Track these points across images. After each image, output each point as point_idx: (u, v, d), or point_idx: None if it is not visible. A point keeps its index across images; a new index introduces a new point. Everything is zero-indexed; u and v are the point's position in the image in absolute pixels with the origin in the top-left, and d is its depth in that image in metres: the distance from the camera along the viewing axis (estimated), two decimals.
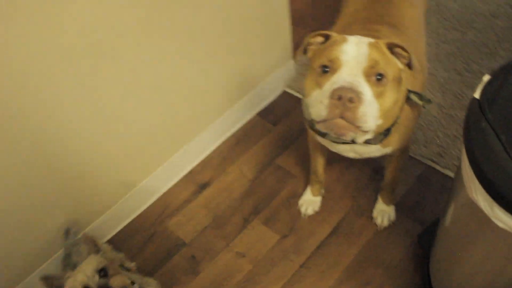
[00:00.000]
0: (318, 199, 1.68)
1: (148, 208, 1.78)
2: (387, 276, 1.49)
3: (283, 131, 1.96)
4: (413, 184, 1.69)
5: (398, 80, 1.06)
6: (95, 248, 1.27)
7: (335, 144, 1.24)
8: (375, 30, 1.22)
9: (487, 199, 0.88)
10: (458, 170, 1.05)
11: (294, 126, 1.97)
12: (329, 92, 0.96)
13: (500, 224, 0.88)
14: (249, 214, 1.71)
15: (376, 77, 0.98)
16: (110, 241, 1.69)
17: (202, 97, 1.78)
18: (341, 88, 0.94)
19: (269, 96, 2.09)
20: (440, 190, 1.65)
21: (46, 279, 1.20)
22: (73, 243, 1.49)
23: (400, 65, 1.06)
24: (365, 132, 1.00)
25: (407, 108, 1.18)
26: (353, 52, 0.99)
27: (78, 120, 1.41)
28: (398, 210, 1.62)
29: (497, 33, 2.15)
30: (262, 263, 1.57)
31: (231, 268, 1.57)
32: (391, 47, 1.05)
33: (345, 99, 0.93)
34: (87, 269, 1.18)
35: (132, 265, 1.51)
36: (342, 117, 0.96)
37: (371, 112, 0.97)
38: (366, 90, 0.97)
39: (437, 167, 1.71)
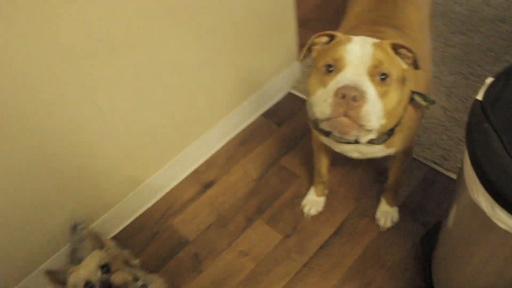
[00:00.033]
0: (321, 200, 1.69)
1: (152, 206, 1.80)
2: (389, 277, 1.49)
3: (287, 132, 1.97)
4: (416, 186, 1.69)
5: (402, 81, 1.07)
6: (99, 244, 1.28)
7: (338, 144, 1.25)
8: (380, 32, 1.23)
9: (489, 200, 0.89)
10: (461, 171, 1.06)
11: (299, 127, 1.98)
12: (333, 90, 0.97)
13: (501, 225, 0.89)
14: (253, 213, 1.72)
15: (380, 76, 0.99)
16: (115, 238, 1.71)
17: (208, 97, 1.80)
18: (345, 87, 0.95)
19: (275, 97, 2.10)
20: (444, 192, 1.66)
21: (51, 273, 1.21)
22: (80, 238, 1.50)
23: (404, 66, 1.08)
24: (369, 131, 1.01)
25: (410, 109, 1.19)
26: (358, 52, 1.00)
27: (84, 118, 1.42)
28: (401, 212, 1.63)
29: (503, 37, 2.15)
30: (265, 262, 1.58)
31: (234, 266, 1.58)
32: (396, 48, 1.06)
33: (349, 98, 0.94)
34: (90, 264, 1.19)
35: (136, 261, 1.52)
36: (346, 116, 0.97)
37: (375, 111, 0.98)
38: (370, 89, 0.98)
39: (441, 170, 1.71)
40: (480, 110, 0.93)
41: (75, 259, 1.44)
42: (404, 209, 1.64)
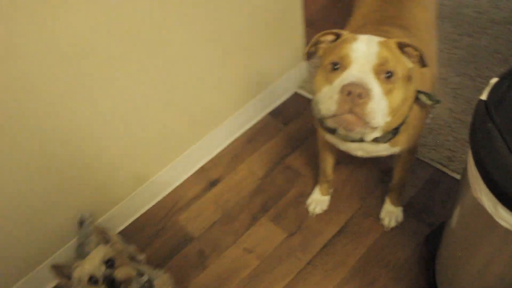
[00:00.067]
0: (326, 199, 1.70)
1: (158, 202, 1.81)
2: (393, 277, 1.50)
3: (293, 131, 1.98)
4: (422, 187, 1.70)
5: (407, 79, 1.07)
6: (105, 239, 1.29)
7: (344, 142, 1.26)
8: (386, 32, 1.24)
9: (491, 198, 0.89)
10: (464, 171, 1.06)
11: (305, 127, 1.99)
12: (338, 87, 0.98)
13: (504, 224, 0.89)
14: (258, 211, 1.73)
15: (386, 74, 1.00)
16: (121, 233, 1.73)
17: (215, 96, 1.81)
18: (351, 84, 0.96)
19: (281, 97, 2.11)
20: (449, 193, 1.66)
21: (56, 268, 1.22)
22: (87, 233, 1.52)
23: (409, 64, 1.08)
24: (374, 128, 1.02)
25: (416, 108, 1.19)
26: (363, 50, 1.01)
27: (92, 115, 1.44)
28: (406, 212, 1.63)
29: (511, 40, 2.15)
30: (268, 259, 1.59)
31: (238, 263, 1.60)
32: (401, 47, 1.07)
33: (354, 95, 0.95)
34: (95, 259, 1.20)
35: (141, 257, 1.53)
36: (351, 113, 0.97)
37: (380, 108, 0.99)
38: (375, 87, 0.98)
39: (446, 171, 1.72)
40: (484, 110, 0.93)
41: (81, 253, 1.45)
42: (409, 209, 1.64)
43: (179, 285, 1.54)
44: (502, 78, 0.98)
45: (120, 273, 1.19)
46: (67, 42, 1.27)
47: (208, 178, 1.87)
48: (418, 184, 1.70)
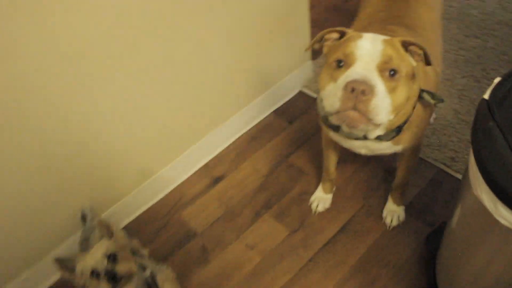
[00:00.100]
0: (329, 197, 1.71)
1: (163, 198, 1.83)
2: (393, 276, 1.50)
3: (297, 130, 1.99)
4: (424, 187, 1.70)
5: (411, 78, 1.08)
6: (108, 233, 1.29)
7: (347, 140, 1.27)
8: (391, 31, 1.25)
9: (491, 197, 0.90)
10: (466, 170, 1.07)
11: (309, 126, 1.99)
12: (343, 84, 0.99)
13: (503, 222, 0.90)
14: (261, 208, 1.74)
15: (389, 72, 1.01)
16: (125, 228, 1.74)
17: (221, 93, 1.83)
18: (355, 81, 0.97)
19: (286, 96, 2.12)
20: (451, 193, 1.66)
21: (59, 261, 1.22)
22: (91, 227, 1.53)
23: (413, 63, 1.09)
24: (377, 125, 1.02)
25: (419, 107, 1.20)
26: (368, 48, 1.02)
27: (99, 109, 1.45)
28: (408, 211, 1.64)
29: None
30: (270, 256, 1.60)
31: (240, 259, 1.61)
32: (406, 45, 1.07)
33: (358, 92, 0.96)
34: (97, 253, 1.20)
35: (145, 251, 1.55)
36: (354, 109, 0.98)
37: (383, 105, 1.00)
38: (379, 84, 0.99)
39: (449, 171, 1.72)
40: (486, 109, 0.94)
41: (85, 247, 1.46)
42: (411, 209, 1.65)
43: (181, 280, 1.55)
44: (505, 78, 0.98)
45: (121, 268, 1.19)
46: (67, 40, 1.27)
47: (212, 175, 1.88)
48: (421, 184, 1.71)
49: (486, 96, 0.97)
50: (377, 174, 1.78)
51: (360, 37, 1.06)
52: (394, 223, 1.60)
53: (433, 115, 1.88)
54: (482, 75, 2.03)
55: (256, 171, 1.86)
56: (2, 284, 1.52)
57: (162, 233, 1.72)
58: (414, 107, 1.17)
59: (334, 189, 1.72)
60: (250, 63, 1.86)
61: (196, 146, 1.86)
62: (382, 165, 1.79)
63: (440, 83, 1.94)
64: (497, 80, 0.99)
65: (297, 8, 1.91)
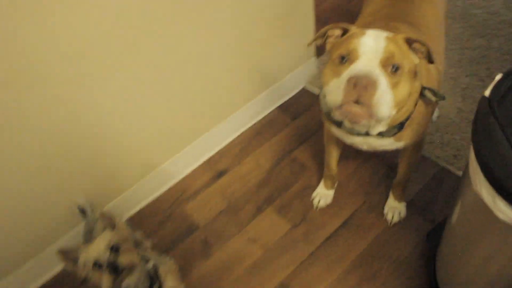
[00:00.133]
0: (331, 193, 1.72)
1: (166, 191, 1.85)
2: (394, 271, 1.51)
3: (301, 126, 2.00)
4: (427, 184, 1.71)
5: (413, 75, 1.09)
6: (111, 224, 1.29)
7: (349, 136, 1.28)
8: (395, 28, 1.26)
9: (490, 191, 0.91)
10: (466, 166, 1.08)
11: (312, 122, 2.01)
12: (346, 78, 1.00)
13: (502, 216, 0.91)
14: (263, 203, 1.76)
15: (392, 68, 1.02)
16: (129, 220, 1.77)
17: (225, 88, 1.84)
18: (358, 75, 0.98)
19: (290, 92, 2.14)
20: (453, 191, 1.67)
21: (63, 252, 1.23)
22: (95, 219, 1.54)
23: (416, 60, 1.10)
24: (379, 120, 1.03)
25: (421, 104, 1.21)
26: (371, 44, 1.03)
27: (102, 102, 1.47)
28: (410, 208, 1.65)
29: None
30: (272, 250, 1.62)
31: (242, 253, 1.62)
32: (409, 42, 1.08)
33: (361, 86, 0.97)
34: (100, 244, 1.21)
35: (148, 243, 1.56)
36: (357, 103, 0.99)
37: (385, 100, 1.01)
38: (382, 79, 1.00)
39: (452, 169, 1.73)
40: (486, 106, 0.95)
41: (89, 239, 1.48)
42: (412, 205, 1.66)
43: (182, 273, 1.57)
44: (507, 75, 0.99)
45: (123, 259, 1.20)
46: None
47: (215, 169, 1.90)
48: (423, 181, 1.72)
49: (487, 93, 0.98)
50: (379, 171, 1.79)
51: (363, 34, 1.07)
52: (395, 219, 1.61)
53: (437, 113, 1.89)
54: (486, 74, 2.03)
55: (259, 166, 1.88)
56: (7, 273, 1.54)
57: (165, 226, 1.74)
58: (416, 104, 1.18)
59: (336, 185, 1.74)
60: (255, 59, 1.88)
61: (200, 140, 1.87)
62: (385, 162, 1.80)
63: (443, 81, 1.95)
64: (498, 77, 1.00)
65: (302, 5, 1.92)
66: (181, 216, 1.76)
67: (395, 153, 1.43)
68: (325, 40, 1.17)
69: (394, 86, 1.02)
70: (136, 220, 1.77)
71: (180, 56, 1.59)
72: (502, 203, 0.88)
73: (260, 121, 2.05)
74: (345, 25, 1.14)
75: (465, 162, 1.71)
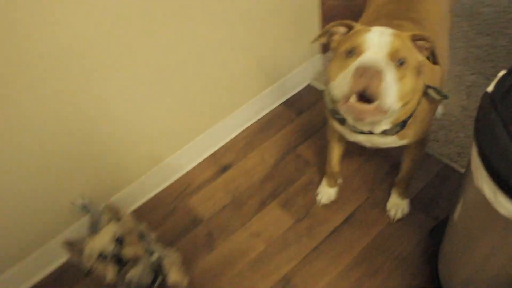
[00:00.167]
0: (334, 190, 1.72)
1: (171, 184, 1.86)
2: (396, 267, 1.52)
3: (305, 122, 2.01)
4: (430, 181, 1.72)
5: (418, 72, 1.10)
6: (116, 217, 1.31)
7: (353, 133, 1.28)
8: (398, 26, 1.25)
9: (492, 186, 0.91)
10: (469, 163, 1.08)
11: (317, 118, 2.02)
12: (353, 69, 1.00)
13: (503, 211, 0.91)
14: (267, 197, 1.77)
15: (398, 62, 1.02)
16: (134, 212, 1.78)
17: (231, 84, 1.85)
18: (364, 65, 0.98)
19: (295, 88, 2.15)
20: (456, 188, 1.67)
21: (68, 243, 1.24)
22: (100, 212, 1.56)
23: (420, 57, 1.10)
24: (384, 112, 1.02)
25: (424, 102, 1.21)
26: (377, 39, 1.04)
27: (109, 95, 1.48)
28: (413, 205, 1.65)
29: None
30: (275, 244, 1.63)
31: (245, 246, 1.64)
32: (414, 40, 1.09)
33: (368, 75, 0.97)
34: (105, 236, 1.22)
35: (152, 235, 1.57)
36: (363, 93, 0.99)
37: (391, 91, 1.00)
38: (388, 70, 1.00)
39: (455, 166, 1.73)
40: (489, 102, 0.95)
41: (95, 230, 1.49)
42: (416, 202, 1.66)
43: (186, 266, 1.58)
44: (510, 71, 1.00)
45: (128, 251, 1.21)
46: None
47: (220, 163, 1.91)
48: (426, 178, 1.72)
49: (490, 89, 0.98)
50: (383, 167, 1.79)
51: (369, 30, 1.08)
52: (398, 216, 1.62)
53: (441, 111, 1.89)
54: (492, 73, 2.03)
55: (263, 161, 1.89)
56: (12, 264, 1.57)
57: (169, 219, 1.76)
58: (419, 102, 1.19)
59: (339, 182, 1.74)
60: (261, 55, 1.89)
61: (205, 135, 1.89)
62: (389, 159, 1.81)
63: (448, 79, 1.95)
64: (501, 73, 1.00)
65: (308, 2, 1.92)
66: (185, 209, 1.78)
67: (399, 150, 1.43)
68: (329, 38, 1.18)
69: (400, 78, 1.02)
70: (141, 213, 1.79)
71: (184, 55, 1.60)
72: (503, 198, 0.89)
73: (265, 117, 2.06)
74: (349, 22, 1.14)
75: (468, 160, 1.72)
